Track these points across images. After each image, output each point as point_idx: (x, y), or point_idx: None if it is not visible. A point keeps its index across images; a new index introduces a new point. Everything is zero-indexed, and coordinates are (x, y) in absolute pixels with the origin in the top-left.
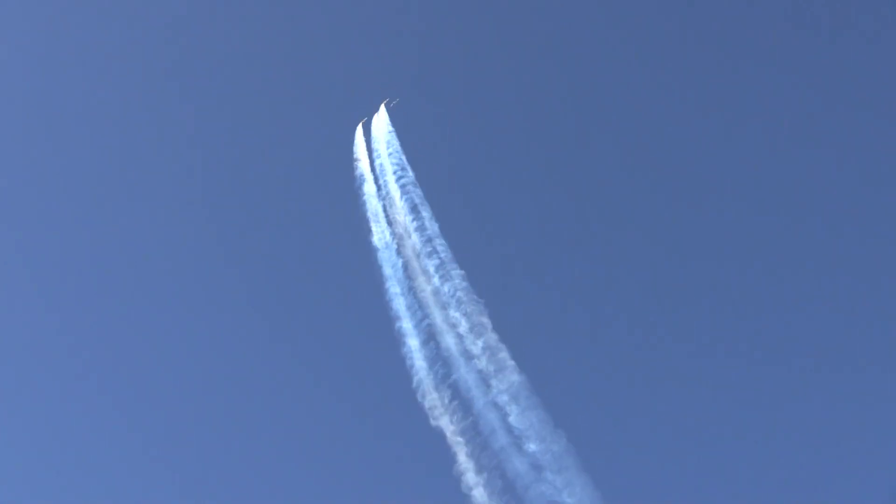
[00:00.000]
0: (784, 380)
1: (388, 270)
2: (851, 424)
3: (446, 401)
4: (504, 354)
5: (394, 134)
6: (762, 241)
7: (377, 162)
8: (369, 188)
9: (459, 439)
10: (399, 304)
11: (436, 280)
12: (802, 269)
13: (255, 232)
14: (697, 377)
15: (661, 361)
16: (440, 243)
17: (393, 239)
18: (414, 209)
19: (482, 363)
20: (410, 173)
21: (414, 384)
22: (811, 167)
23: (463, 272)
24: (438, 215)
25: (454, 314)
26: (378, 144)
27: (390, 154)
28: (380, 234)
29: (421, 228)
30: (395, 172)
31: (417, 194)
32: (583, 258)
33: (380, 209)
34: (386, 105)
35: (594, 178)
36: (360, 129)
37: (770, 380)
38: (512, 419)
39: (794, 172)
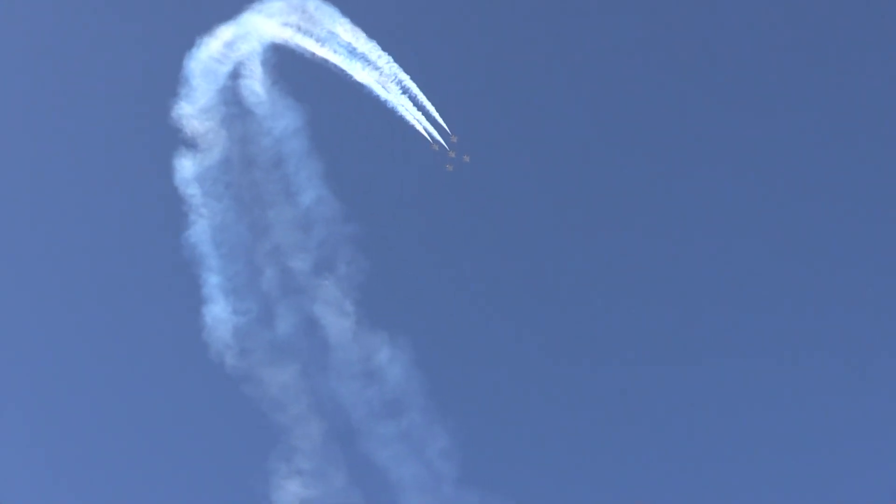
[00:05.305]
0: (783, 381)
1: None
2: (852, 424)
3: None
4: None
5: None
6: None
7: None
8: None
9: None
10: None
11: None
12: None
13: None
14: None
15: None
16: None
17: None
18: None
19: None
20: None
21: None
22: (806, 168)
23: None
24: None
25: None
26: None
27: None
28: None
29: None
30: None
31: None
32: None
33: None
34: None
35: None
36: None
37: (769, 380)
38: None
39: (785, 175)
